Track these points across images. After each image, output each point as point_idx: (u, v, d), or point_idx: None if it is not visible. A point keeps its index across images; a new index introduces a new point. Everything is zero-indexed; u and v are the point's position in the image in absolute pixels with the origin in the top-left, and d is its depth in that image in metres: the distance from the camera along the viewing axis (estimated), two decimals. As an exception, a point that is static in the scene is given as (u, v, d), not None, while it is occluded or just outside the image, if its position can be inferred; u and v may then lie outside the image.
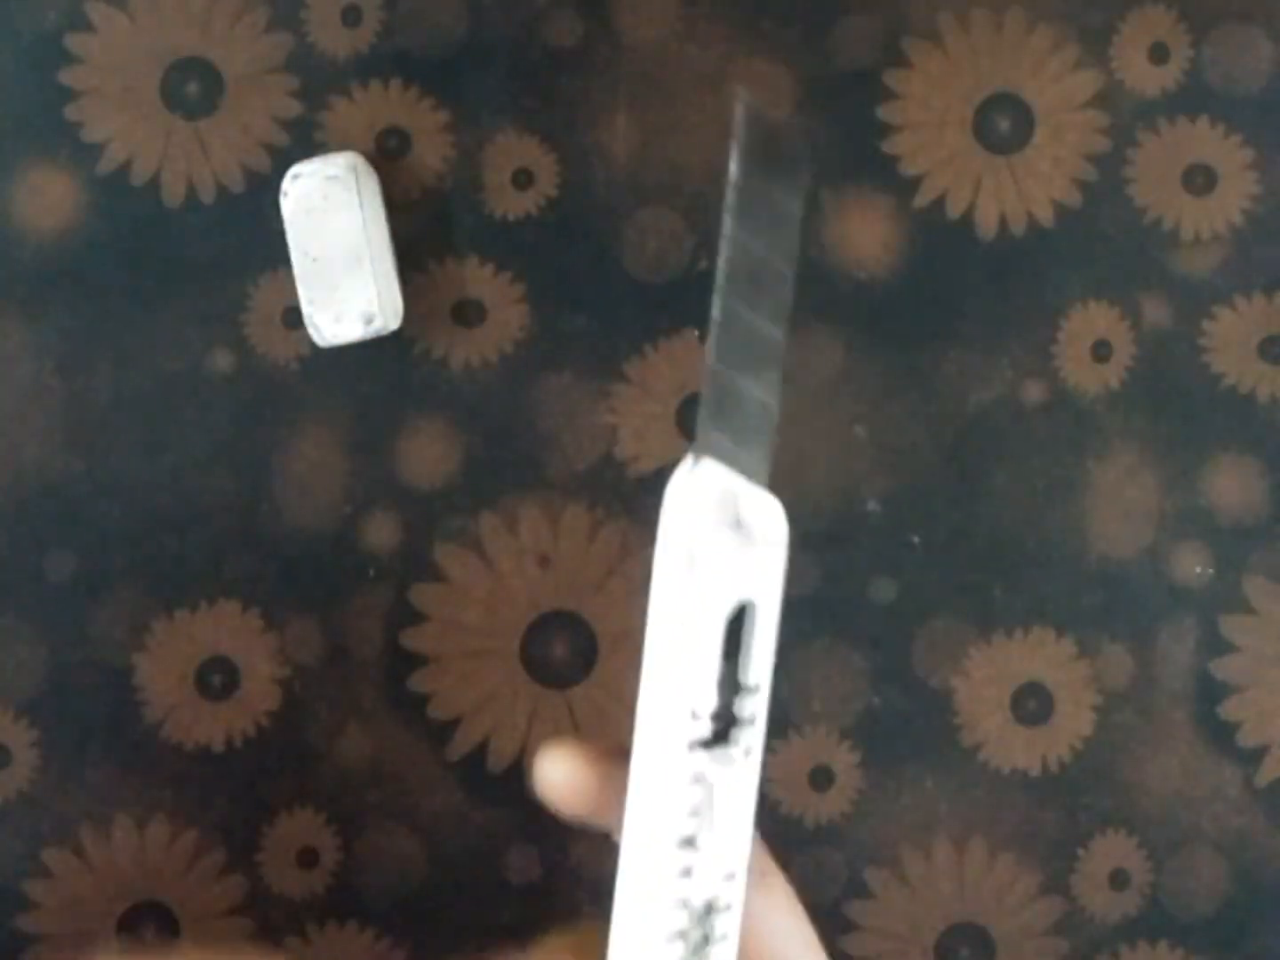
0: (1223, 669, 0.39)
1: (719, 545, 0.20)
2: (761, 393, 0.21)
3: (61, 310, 0.40)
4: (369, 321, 0.38)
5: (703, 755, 0.21)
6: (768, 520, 0.21)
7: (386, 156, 0.40)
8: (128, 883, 0.40)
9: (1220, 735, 0.39)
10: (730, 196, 0.20)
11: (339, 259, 0.37)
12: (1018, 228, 0.40)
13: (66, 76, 0.40)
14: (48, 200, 0.40)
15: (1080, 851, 0.39)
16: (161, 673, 0.40)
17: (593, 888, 0.40)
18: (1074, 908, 0.39)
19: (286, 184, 0.38)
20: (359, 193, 0.37)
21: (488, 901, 0.40)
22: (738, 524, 0.20)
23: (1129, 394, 0.40)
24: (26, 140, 0.40)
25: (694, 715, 0.20)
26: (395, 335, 0.40)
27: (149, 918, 0.40)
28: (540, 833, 0.40)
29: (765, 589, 0.21)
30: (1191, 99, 0.40)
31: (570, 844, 0.40)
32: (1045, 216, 0.40)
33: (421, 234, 0.40)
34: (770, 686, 0.21)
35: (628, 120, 0.40)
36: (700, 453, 0.20)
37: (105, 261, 0.40)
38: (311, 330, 0.38)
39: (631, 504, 0.40)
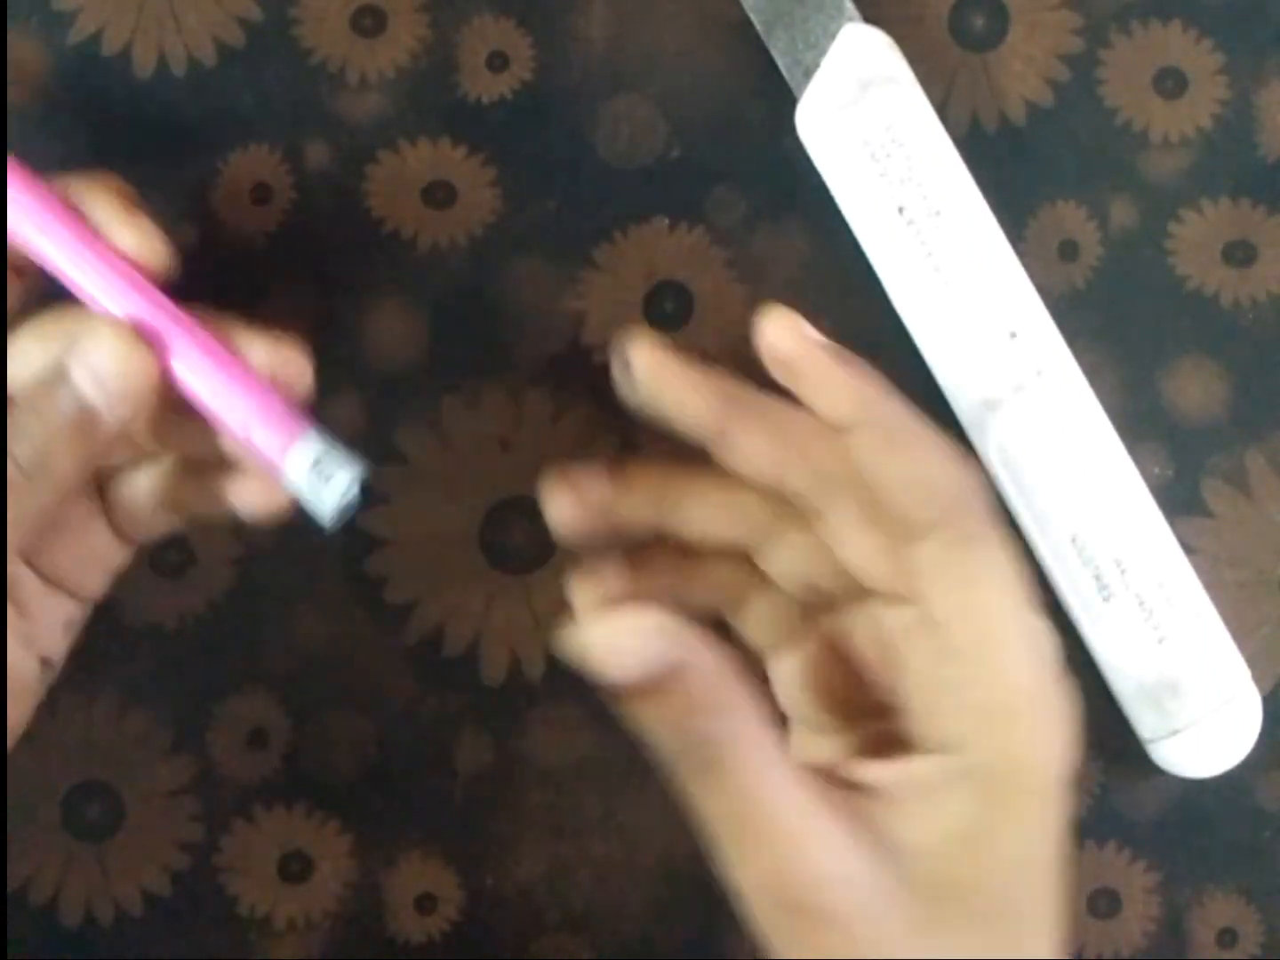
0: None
1: None
2: None
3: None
4: None
5: None
6: None
7: (361, 35, 0.40)
8: (72, 761, 0.39)
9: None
10: None
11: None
12: (990, 126, 0.40)
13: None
14: (16, 70, 0.40)
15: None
16: (115, 549, 0.39)
17: (543, 777, 0.40)
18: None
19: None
20: None
21: (437, 787, 0.40)
22: None
23: (1094, 295, 0.40)
24: (-4, 5, 0.40)
25: None
26: (365, 214, 0.40)
27: (94, 796, 0.39)
28: (493, 720, 0.40)
29: None
30: (1164, 1, 0.40)
31: (522, 732, 0.40)
32: (1017, 115, 0.40)
33: (393, 113, 0.40)
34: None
35: (604, 6, 0.40)
36: None
37: (73, 131, 0.40)
38: None
39: (596, 391, 0.39)
